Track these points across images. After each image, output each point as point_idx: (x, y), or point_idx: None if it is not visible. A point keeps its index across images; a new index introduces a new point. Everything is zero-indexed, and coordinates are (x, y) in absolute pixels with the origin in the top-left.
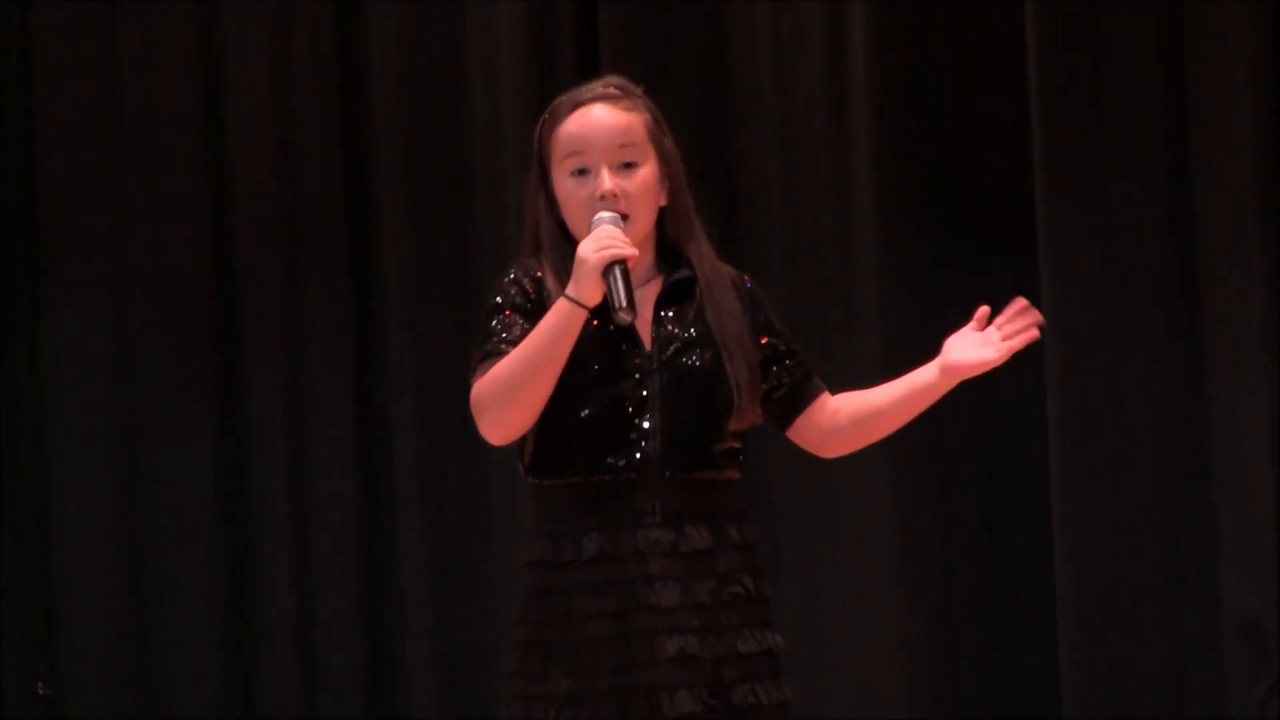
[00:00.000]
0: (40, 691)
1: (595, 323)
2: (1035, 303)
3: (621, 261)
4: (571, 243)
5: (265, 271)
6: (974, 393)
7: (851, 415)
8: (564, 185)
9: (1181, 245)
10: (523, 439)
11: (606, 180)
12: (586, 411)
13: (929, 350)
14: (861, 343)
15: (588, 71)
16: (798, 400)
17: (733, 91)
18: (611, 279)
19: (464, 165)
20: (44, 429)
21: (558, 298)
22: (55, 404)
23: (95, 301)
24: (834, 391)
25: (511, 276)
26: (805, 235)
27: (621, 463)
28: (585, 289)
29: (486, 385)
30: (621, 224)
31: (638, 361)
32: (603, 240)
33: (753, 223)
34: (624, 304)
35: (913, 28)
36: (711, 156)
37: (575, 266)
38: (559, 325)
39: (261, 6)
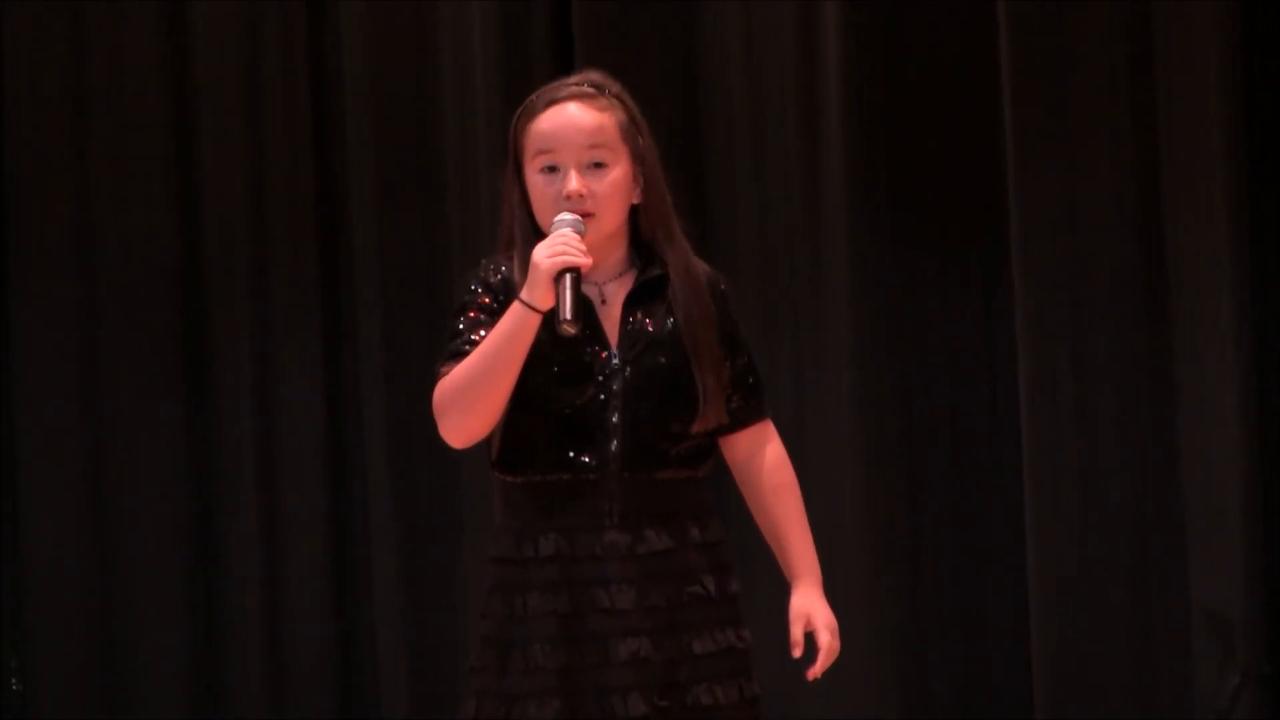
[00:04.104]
0: (14, 686)
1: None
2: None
3: (574, 270)
4: (542, 238)
5: (235, 267)
6: (946, 387)
7: (750, 490)
8: (534, 182)
9: (1151, 240)
10: (489, 435)
11: (573, 180)
12: (550, 410)
13: (898, 345)
14: (831, 337)
15: (561, 68)
16: (740, 420)
17: (705, 89)
18: (560, 287)
19: (435, 161)
20: (12, 424)
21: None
22: (23, 399)
23: (63, 297)
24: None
25: (478, 276)
26: (776, 231)
27: (581, 462)
28: (538, 293)
29: (446, 389)
30: (583, 228)
31: (603, 360)
32: (557, 246)
33: (723, 219)
34: (568, 316)
35: (885, 25)
36: (684, 154)
37: (529, 270)
38: (513, 329)
39: (233, 1)
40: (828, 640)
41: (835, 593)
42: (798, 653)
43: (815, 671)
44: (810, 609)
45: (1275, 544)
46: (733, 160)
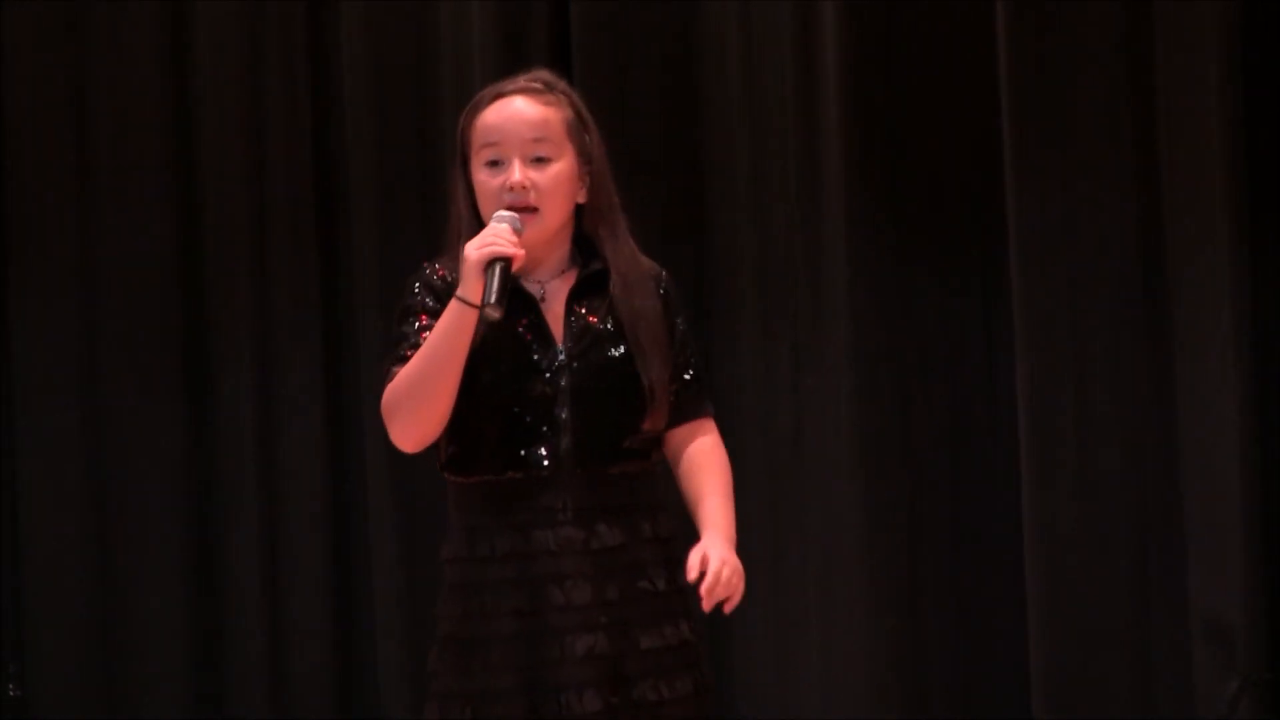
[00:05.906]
0: (10, 693)
1: (506, 320)
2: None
3: (504, 260)
4: None
5: (235, 268)
6: (945, 392)
7: (682, 472)
8: (479, 177)
9: (1151, 246)
10: (437, 438)
11: (516, 172)
12: (498, 409)
13: (896, 346)
14: (830, 338)
15: (560, 69)
16: (679, 416)
17: (703, 88)
18: (489, 275)
19: (434, 162)
20: (12, 426)
21: None
22: (23, 400)
23: (63, 298)
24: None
25: (421, 278)
26: (775, 233)
27: (533, 460)
28: (469, 287)
29: (392, 393)
30: (520, 225)
31: (550, 356)
32: (487, 238)
33: (722, 221)
34: (491, 299)
35: (883, 27)
36: (681, 155)
37: (461, 265)
38: (452, 326)
39: (233, 2)
40: (718, 568)
41: (834, 596)
42: (693, 577)
43: (706, 603)
44: (708, 548)
45: (1275, 549)
46: (731, 162)
